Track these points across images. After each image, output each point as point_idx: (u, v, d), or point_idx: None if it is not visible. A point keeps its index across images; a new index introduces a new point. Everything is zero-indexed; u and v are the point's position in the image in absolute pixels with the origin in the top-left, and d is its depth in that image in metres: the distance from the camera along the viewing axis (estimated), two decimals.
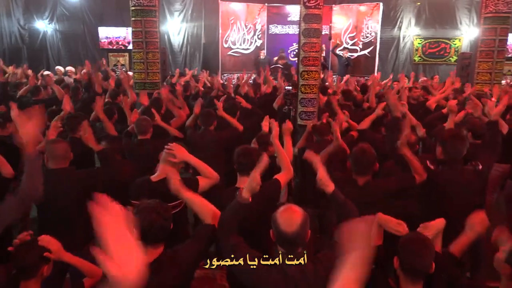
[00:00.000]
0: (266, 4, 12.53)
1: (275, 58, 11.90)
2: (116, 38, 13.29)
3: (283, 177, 2.57)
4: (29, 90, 6.48)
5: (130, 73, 9.47)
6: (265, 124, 3.76)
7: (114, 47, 13.36)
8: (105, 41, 13.24)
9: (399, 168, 3.08)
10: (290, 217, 1.78)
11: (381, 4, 12.06)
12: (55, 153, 2.80)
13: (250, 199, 1.96)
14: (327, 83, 7.38)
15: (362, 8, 12.38)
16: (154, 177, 2.75)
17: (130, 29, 12.38)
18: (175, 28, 13.17)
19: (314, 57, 5.01)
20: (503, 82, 9.17)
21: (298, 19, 12.05)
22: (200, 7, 12.89)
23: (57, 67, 11.60)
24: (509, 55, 12.39)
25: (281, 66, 11.16)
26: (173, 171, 2.34)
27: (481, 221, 2.01)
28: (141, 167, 3.39)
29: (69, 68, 11.28)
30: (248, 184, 1.98)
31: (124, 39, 13.22)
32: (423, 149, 3.83)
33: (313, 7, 4.82)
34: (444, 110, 4.35)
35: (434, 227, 1.98)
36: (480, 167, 2.98)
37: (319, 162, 2.19)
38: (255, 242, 1.93)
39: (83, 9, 13.06)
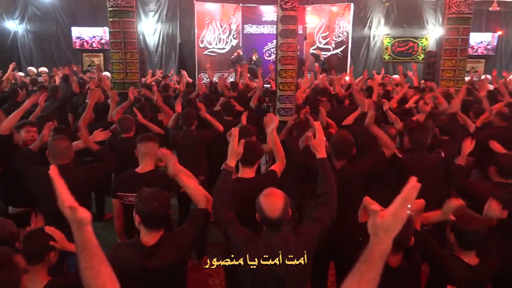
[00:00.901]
0: (240, 4, 12.72)
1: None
2: (90, 38, 13.18)
3: (279, 167, 2.80)
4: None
5: (107, 74, 9.48)
6: (243, 118, 4.08)
7: (89, 48, 13.25)
8: (78, 41, 13.11)
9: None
10: (272, 202, 1.97)
11: (352, 4, 12.50)
12: (55, 149, 2.93)
13: (234, 166, 2.30)
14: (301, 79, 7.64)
15: (334, 8, 12.78)
16: (139, 170, 2.92)
17: (105, 29, 12.52)
18: (150, 29, 13.18)
19: (291, 56, 5.28)
20: (467, 78, 9.74)
21: (273, 19, 12.43)
22: (175, 7, 12.94)
23: (29, 67, 11.44)
24: (475, 53, 13.13)
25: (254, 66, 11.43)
26: (171, 155, 2.50)
27: (457, 207, 2.22)
28: (125, 164, 3.53)
29: (42, 68, 11.14)
30: (230, 153, 2.29)
31: (100, 39, 13.12)
32: (400, 142, 4.11)
33: (289, 9, 5.08)
34: (407, 105, 4.77)
35: (416, 204, 2.20)
36: (443, 155, 3.31)
37: (318, 127, 2.39)
38: (253, 228, 2.12)
39: (56, 9, 12.89)
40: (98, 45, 13.21)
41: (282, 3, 5.09)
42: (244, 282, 2.00)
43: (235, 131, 2.37)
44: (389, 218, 1.05)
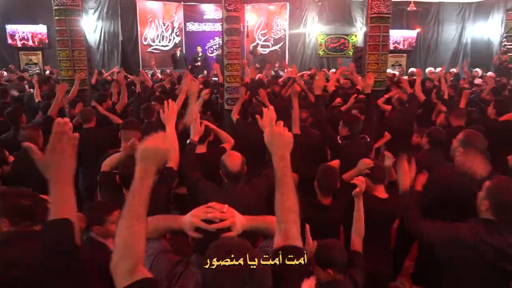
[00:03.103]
0: (182, 2, 13.10)
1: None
2: (26, 35, 12.82)
3: (228, 146, 3.47)
4: None
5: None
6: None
7: (26, 45, 12.90)
8: (12, 39, 12.72)
9: None
10: (233, 160, 2.60)
11: (287, 4, 13.37)
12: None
13: (196, 140, 2.89)
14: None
15: (271, 7, 13.59)
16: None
17: (43, 27, 12.31)
18: (91, 26, 13.11)
19: (235, 52, 5.90)
20: (389, 71, 11.00)
21: (214, 17, 12.92)
22: (115, 5, 12.97)
23: None
24: (400, 48, 14.57)
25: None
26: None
27: (366, 164, 2.92)
28: (89, 153, 3.85)
29: None
30: (193, 131, 2.90)
31: (40, 37, 12.81)
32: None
33: (232, 10, 5.68)
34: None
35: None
36: (368, 139, 3.99)
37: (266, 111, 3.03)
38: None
39: None
40: (39, 43, 12.88)
41: (226, 4, 5.69)
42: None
43: (197, 114, 2.95)
44: (268, 136, 1.47)
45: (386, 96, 5.80)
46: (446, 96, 5.48)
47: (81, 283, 1.42)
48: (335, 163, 3.07)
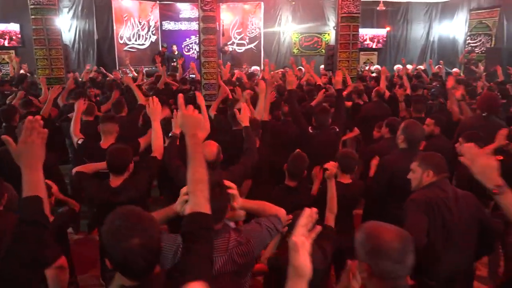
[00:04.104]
0: (157, 1, 13.20)
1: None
2: None
3: (202, 134, 3.69)
4: None
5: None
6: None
7: None
8: None
9: None
10: (210, 149, 2.85)
11: (262, 3, 13.66)
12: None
13: (178, 133, 3.08)
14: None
15: (246, 6, 13.86)
16: (103, 143, 3.61)
17: (15, 26, 12.15)
18: (65, 25, 13.01)
19: (212, 50, 6.16)
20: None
21: (190, 16, 13.08)
22: (90, 3, 12.92)
23: None
24: (371, 47, 15.09)
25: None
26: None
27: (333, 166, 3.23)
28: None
29: None
30: (175, 124, 3.11)
31: (12, 35, 12.63)
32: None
33: (208, 10, 5.93)
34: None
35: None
36: (337, 129, 4.28)
37: (244, 106, 3.32)
38: None
39: None
40: (14, 42, 12.68)
41: (202, 4, 5.93)
42: None
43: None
44: (179, 118, 1.72)
45: (345, 92, 6.19)
46: (408, 91, 5.90)
47: (47, 247, 1.68)
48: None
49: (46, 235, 1.53)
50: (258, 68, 12.00)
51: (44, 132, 1.62)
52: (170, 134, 3.18)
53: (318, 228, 1.39)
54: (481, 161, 1.72)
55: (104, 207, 2.70)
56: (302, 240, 1.26)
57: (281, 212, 2.04)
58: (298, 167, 3.01)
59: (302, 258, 1.25)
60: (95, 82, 8.04)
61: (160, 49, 12.74)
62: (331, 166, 2.70)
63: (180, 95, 1.74)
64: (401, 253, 1.41)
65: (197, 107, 5.94)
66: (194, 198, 1.51)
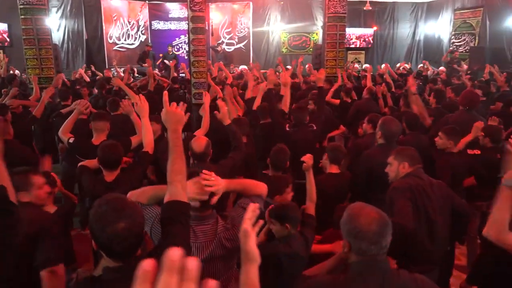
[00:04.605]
0: (147, 1, 13.25)
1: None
2: None
3: (201, 131, 3.88)
4: None
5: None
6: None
7: None
8: None
9: None
10: (199, 142, 3.04)
11: (251, 3, 13.80)
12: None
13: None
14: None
15: (235, 6, 13.99)
16: (95, 140, 3.71)
17: (3, 25, 12.09)
18: (54, 25, 12.97)
19: (201, 49, 6.28)
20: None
21: (179, 15, 13.15)
22: (79, 3, 12.94)
23: None
24: (356, 46, 15.32)
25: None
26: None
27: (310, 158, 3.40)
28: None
29: None
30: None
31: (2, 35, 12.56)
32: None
33: (197, 10, 6.05)
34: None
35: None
36: (315, 128, 4.37)
37: (220, 103, 3.47)
38: None
39: None
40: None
41: (191, 5, 6.05)
42: None
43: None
44: (163, 115, 1.78)
45: (332, 89, 6.39)
46: (393, 89, 6.11)
47: (15, 232, 1.76)
48: None
49: (13, 220, 1.62)
50: (246, 67, 12.12)
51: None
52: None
53: (261, 222, 1.50)
54: None
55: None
56: (251, 229, 1.38)
57: (263, 188, 2.16)
58: (280, 159, 3.19)
59: (252, 244, 1.36)
60: (85, 82, 8.08)
61: (145, 48, 12.71)
62: (307, 158, 2.85)
63: (165, 93, 1.85)
64: (377, 235, 1.55)
65: (188, 104, 6.04)
66: (173, 188, 1.63)
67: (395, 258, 2.68)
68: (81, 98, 5.61)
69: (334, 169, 3.31)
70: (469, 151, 3.79)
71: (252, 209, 1.42)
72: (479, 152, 3.81)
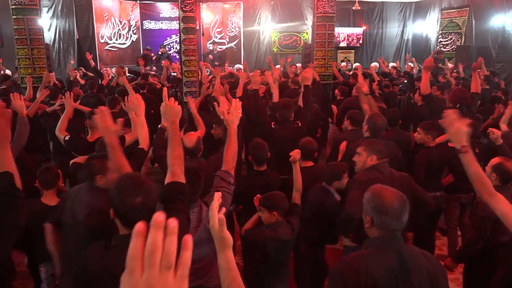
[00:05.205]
0: (138, 1, 13.32)
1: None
2: None
3: (201, 132, 4.03)
4: None
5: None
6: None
7: None
8: None
9: None
10: (190, 138, 3.20)
11: (241, 3, 13.93)
12: None
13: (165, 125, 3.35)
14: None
15: (226, 6, 14.11)
16: (90, 138, 3.84)
17: None
18: (45, 24, 12.96)
19: (192, 49, 6.42)
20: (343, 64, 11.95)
21: (170, 15, 13.24)
22: (70, 3, 12.92)
23: None
24: (349, 45, 15.53)
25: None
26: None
27: (297, 153, 3.51)
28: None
29: None
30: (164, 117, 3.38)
31: None
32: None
33: (188, 11, 6.18)
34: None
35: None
36: (299, 124, 4.48)
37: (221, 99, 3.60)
38: None
39: None
40: None
41: (182, 6, 6.18)
42: None
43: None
44: (162, 108, 2.15)
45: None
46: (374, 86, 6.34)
47: (20, 215, 1.87)
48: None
49: (18, 203, 1.77)
50: (241, 66, 12.26)
51: (8, 113, 1.85)
52: (159, 126, 3.46)
53: (224, 209, 1.65)
54: (456, 125, 2.10)
55: None
56: (223, 217, 1.52)
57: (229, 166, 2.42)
58: (260, 153, 3.34)
59: (226, 231, 1.49)
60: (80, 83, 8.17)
61: (144, 51, 12.77)
62: (295, 153, 3.03)
63: (165, 89, 2.07)
64: (398, 212, 1.73)
65: (180, 102, 6.18)
66: (173, 169, 1.89)
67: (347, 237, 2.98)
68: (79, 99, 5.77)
69: (306, 163, 3.44)
70: (450, 144, 3.98)
71: (217, 198, 1.55)
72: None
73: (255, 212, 2.83)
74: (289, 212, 2.69)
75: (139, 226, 0.65)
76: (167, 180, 1.87)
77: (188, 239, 0.66)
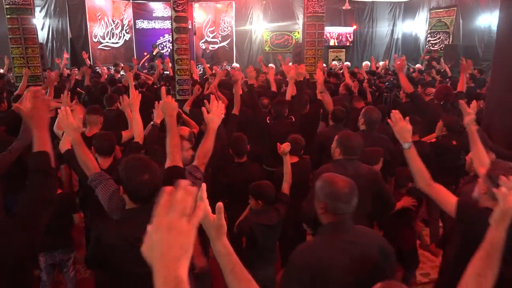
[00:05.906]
0: (131, 0, 13.42)
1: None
2: None
3: (195, 130, 4.17)
4: None
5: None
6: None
7: None
8: None
9: None
10: (182, 131, 3.33)
11: (233, 2, 14.09)
12: None
13: (158, 123, 3.52)
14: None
15: (218, 5, 14.26)
16: (88, 133, 3.98)
17: None
18: (38, 24, 13.03)
19: (185, 48, 6.58)
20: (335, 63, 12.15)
21: (163, 15, 13.37)
22: (63, 2, 13.01)
23: None
24: (340, 44, 15.76)
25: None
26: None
27: (287, 145, 3.68)
28: None
29: None
30: (157, 115, 3.53)
31: None
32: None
33: (180, 10, 6.34)
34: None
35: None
36: (293, 119, 4.63)
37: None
38: None
39: None
40: None
41: (174, 6, 6.33)
42: None
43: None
44: (160, 105, 2.75)
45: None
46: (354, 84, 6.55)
47: (53, 188, 2.02)
48: None
49: (52, 181, 1.92)
50: (238, 65, 12.40)
51: (48, 100, 2.03)
52: (151, 123, 3.61)
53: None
54: (400, 123, 2.33)
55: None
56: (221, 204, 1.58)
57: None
58: (240, 146, 3.51)
59: (223, 218, 1.51)
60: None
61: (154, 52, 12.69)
62: (285, 146, 3.19)
63: (163, 88, 2.35)
64: (349, 196, 1.86)
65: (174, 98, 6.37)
66: (172, 156, 2.27)
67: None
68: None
69: (293, 159, 3.53)
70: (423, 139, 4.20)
71: (183, 186, 1.73)
72: (434, 139, 4.22)
73: (240, 204, 3.01)
74: (278, 200, 2.86)
75: (167, 188, 0.87)
76: (167, 164, 2.22)
77: (201, 205, 0.89)
